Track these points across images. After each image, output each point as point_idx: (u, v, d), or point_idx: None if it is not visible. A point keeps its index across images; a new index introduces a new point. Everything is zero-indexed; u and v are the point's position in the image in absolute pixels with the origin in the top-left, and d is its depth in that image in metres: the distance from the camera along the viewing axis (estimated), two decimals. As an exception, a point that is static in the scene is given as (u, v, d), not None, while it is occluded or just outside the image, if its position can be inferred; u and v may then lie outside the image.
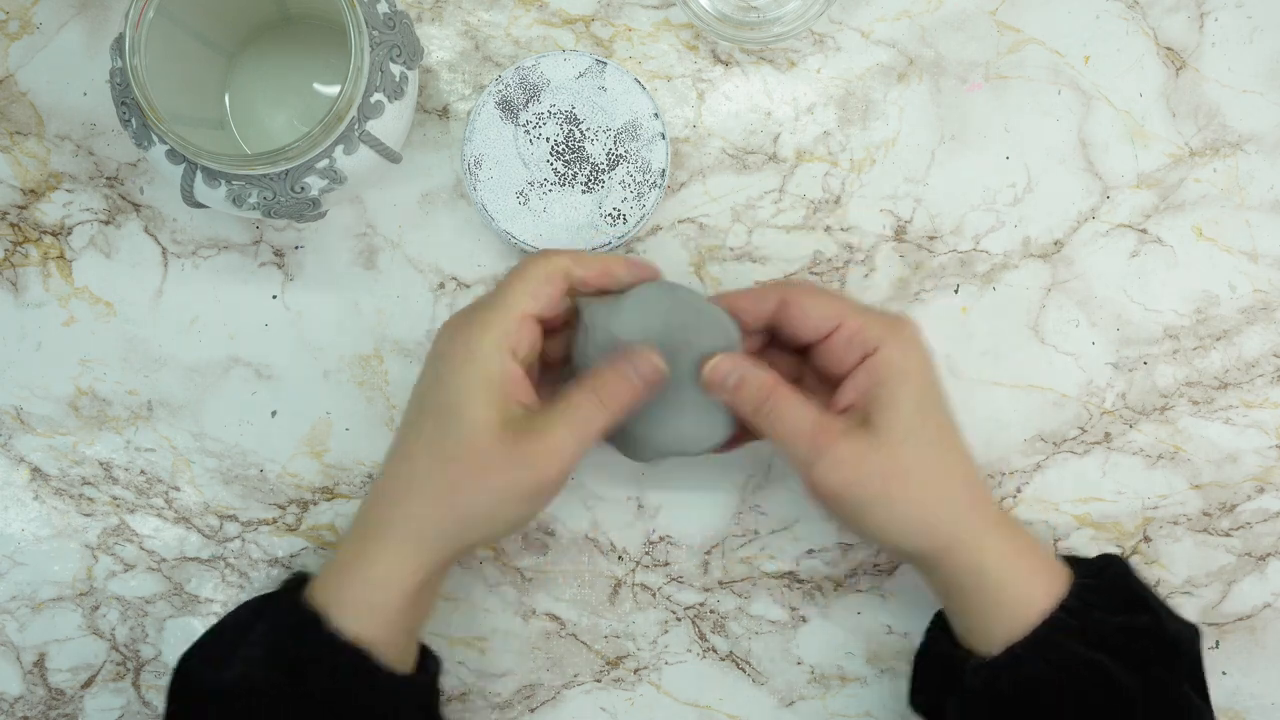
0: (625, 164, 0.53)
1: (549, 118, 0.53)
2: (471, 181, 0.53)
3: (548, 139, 0.54)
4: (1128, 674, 0.45)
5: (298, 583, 0.48)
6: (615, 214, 0.53)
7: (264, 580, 0.55)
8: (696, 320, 0.52)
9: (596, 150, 0.54)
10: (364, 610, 0.46)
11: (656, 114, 0.54)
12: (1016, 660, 0.46)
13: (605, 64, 0.54)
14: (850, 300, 0.49)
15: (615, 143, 0.54)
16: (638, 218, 0.53)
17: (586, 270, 0.48)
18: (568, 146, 0.53)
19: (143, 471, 0.55)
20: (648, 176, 0.54)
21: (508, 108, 0.53)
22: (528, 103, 0.53)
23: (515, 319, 0.46)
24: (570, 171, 0.54)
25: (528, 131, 0.53)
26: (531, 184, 0.54)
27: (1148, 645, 0.46)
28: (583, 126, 0.54)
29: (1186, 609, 0.56)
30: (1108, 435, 0.56)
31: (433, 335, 0.55)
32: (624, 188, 0.54)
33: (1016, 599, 0.47)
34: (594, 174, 0.53)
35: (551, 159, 0.54)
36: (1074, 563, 0.50)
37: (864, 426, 0.46)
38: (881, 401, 0.47)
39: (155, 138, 0.47)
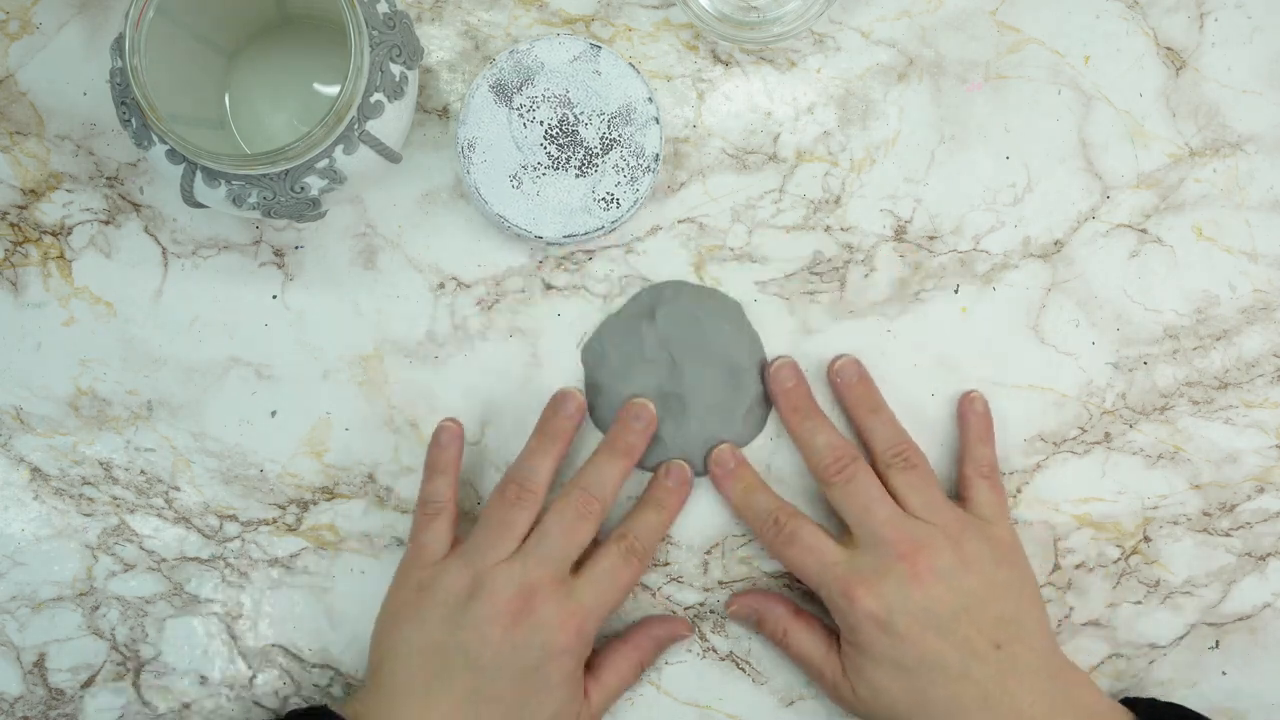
0: (619, 148, 0.53)
1: (543, 101, 0.53)
2: (465, 165, 0.53)
3: (541, 122, 0.54)
4: None
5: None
6: (609, 198, 0.53)
7: (264, 580, 0.55)
8: (707, 333, 0.54)
9: (590, 134, 0.54)
10: None
11: (650, 98, 0.54)
12: None
13: (600, 48, 0.54)
14: (826, 571, 0.50)
15: (609, 127, 0.54)
16: (631, 201, 0.54)
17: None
18: (561, 130, 0.53)
19: (143, 471, 0.55)
20: (641, 161, 0.54)
21: (501, 91, 0.53)
22: (521, 86, 0.53)
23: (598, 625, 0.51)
24: (564, 155, 0.54)
25: (521, 115, 0.53)
26: (525, 167, 0.53)
27: None
28: (576, 110, 0.54)
29: (1186, 609, 0.56)
30: (1108, 435, 0.56)
31: (433, 335, 0.55)
32: (617, 172, 0.54)
33: None
34: (587, 158, 0.54)
35: (545, 142, 0.54)
36: (1140, 707, 0.50)
37: (849, 679, 0.51)
38: (848, 660, 0.51)
39: (155, 138, 0.47)
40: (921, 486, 0.51)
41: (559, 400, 0.53)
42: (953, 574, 0.49)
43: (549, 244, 0.55)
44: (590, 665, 0.52)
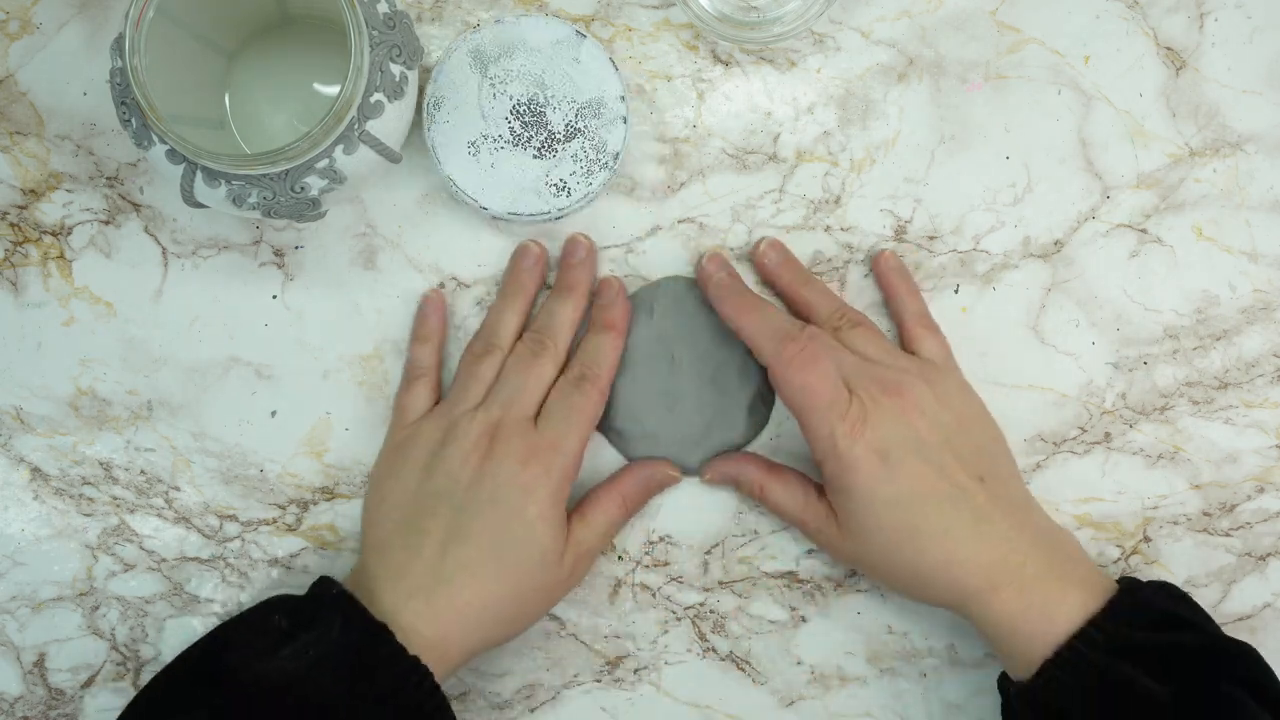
0: (582, 139, 0.53)
1: (517, 77, 0.53)
2: (428, 121, 0.53)
3: (511, 97, 0.54)
4: (1157, 684, 0.45)
5: (325, 587, 0.50)
6: (560, 185, 0.54)
7: (264, 580, 0.55)
8: (705, 329, 0.54)
9: (556, 119, 0.54)
10: (428, 640, 0.48)
11: (623, 97, 0.54)
12: (1049, 680, 0.47)
13: (585, 37, 0.54)
14: (813, 429, 0.50)
15: (577, 116, 0.54)
16: (582, 194, 0.54)
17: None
18: (529, 109, 0.54)
19: (143, 471, 0.55)
20: (600, 156, 0.54)
21: (479, 57, 0.53)
22: (499, 57, 0.53)
23: (583, 452, 0.52)
24: (526, 134, 0.54)
25: (493, 85, 0.53)
26: (485, 137, 0.54)
27: (1183, 658, 0.46)
28: (548, 93, 0.54)
29: (1186, 609, 0.56)
30: (1108, 435, 0.56)
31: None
32: (575, 161, 0.54)
33: (1032, 634, 0.48)
34: (549, 141, 0.54)
35: (510, 117, 0.54)
36: (1125, 582, 0.50)
37: (836, 524, 0.51)
38: (838, 505, 0.51)
39: (155, 138, 0.47)
40: (874, 339, 0.52)
41: (519, 253, 0.55)
42: (933, 410, 0.50)
43: (493, 217, 0.54)
44: (577, 508, 0.53)
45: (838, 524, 0.51)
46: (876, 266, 0.55)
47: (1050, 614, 0.48)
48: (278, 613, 0.50)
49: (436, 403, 0.54)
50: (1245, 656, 0.47)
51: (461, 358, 0.54)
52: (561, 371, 0.53)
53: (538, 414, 0.52)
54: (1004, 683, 0.51)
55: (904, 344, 0.54)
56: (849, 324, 0.52)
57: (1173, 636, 0.47)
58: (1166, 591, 0.50)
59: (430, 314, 0.55)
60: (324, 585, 0.51)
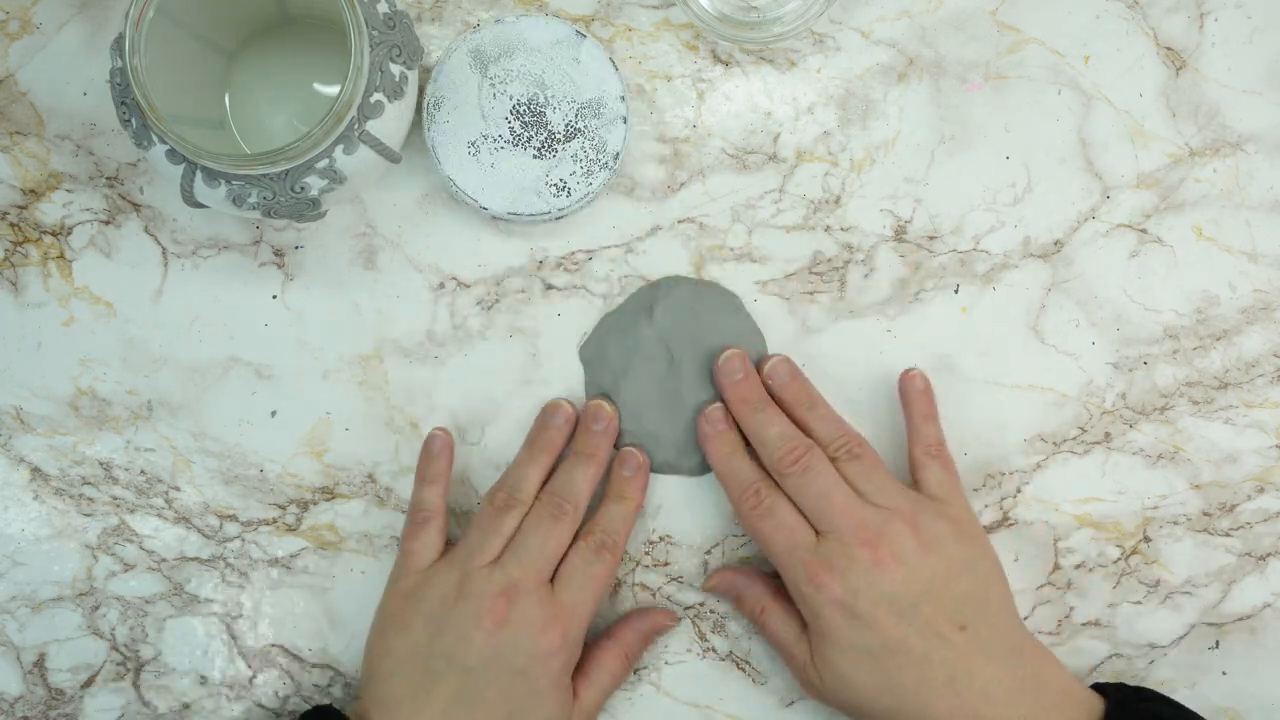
0: (581, 139, 0.53)
1: (517, 77, 0.53)
2: (428, 121, 0.53)
3: (511, 96, 0.54)
4: None
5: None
6: (560, 185, 0.54)
7: (264, 580, 0.55)
8: (706, 328, 0.54)
9: (556, 119, 0.54)
10: None
11: (623, 97, 0.54)
12: None
13: (585, 37, 0.54)
14: (793, 569, 0.50)
15: (576, 116, 0.54)
16: (582, 194, 0.54)
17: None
18: (529, 109, 0.54)
19: (143, 471, 0.55)
20: (600, 156, 0.54)
21: (479, 57, 0.53)
22: (499, 57, 0.53)
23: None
24: (526, 134, 0.54)
25: (493, 85, 0.53)
26: (485, 137, 0.54)
27: None
28: (548, 93, 0.54)
29: (1186, 609, 0.56)
30: (1108, 435, 0.56)
31: (433, 335, 0.55)
32: (575, 161, 0.54)
33: None
34: (549, 141, 0.54)
35: (510, 117, 0.54)
36: (1109, 691, 0.50)
37: (816, 667, 0.51)
38: (814, 647, 0.51)
39: (155, 138, 0.47)
40: (871, 473, 0.51)
41: (548, 412, 0.54)
42: (914, 557, 0.49)
43: (493, 217, 0.54)
44: (579, 667, 0.52)
45: (818, 670, 0.50)
46: (901, 384, 0.54)
47: None
48: None
49: (444, 545, 0.53)
50: None
51: (481, 507, 0.53)
52: (577, 534, 0.52)
53: (552, 577, 0.51)
54: None
55: (911, 470, 0.54)
56: (847, 455, 0.51)
57: None
58: (1155, 713, 0.50)
59: (438, 454, 0.54)
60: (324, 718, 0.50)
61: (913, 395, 0.54)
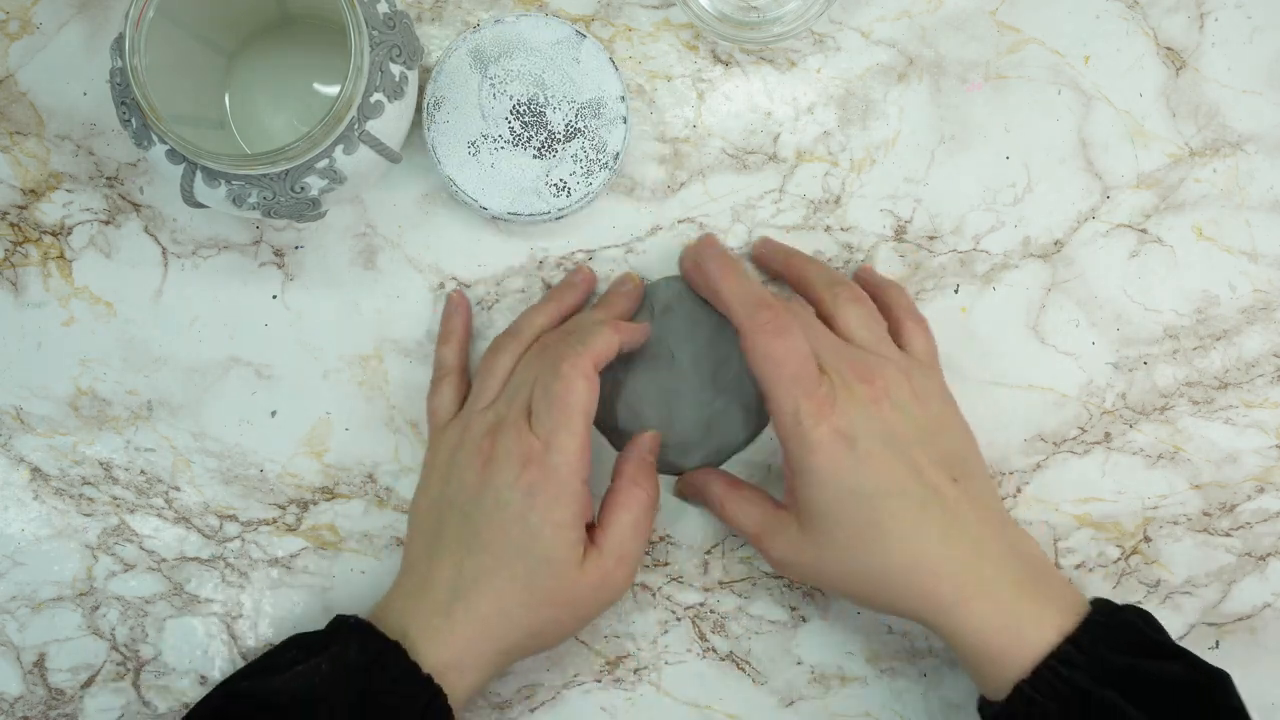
0: (582, 139, 0.53)
1: (517, 77, 0.54)
2: (428, 121, 0.53)
3: (511, 97, 0.54)
4: (1140, 713, 0.43)
5: (343, 619, 0.49)
6: (560, 185, 0.54)
7: (264, 580, 0.55)
8: (706, 327, 0.54)
9: (556, 119, 0.54)
10: (446, 659, 0.47)
11: (623, 97, 0.54)
12: (1030, 703, 0.45)
13: (584, 37, 0.54)
14: (777, 371, 0.47)
15: (577, 116, 0.54)
16: (582, 194, 0.54)
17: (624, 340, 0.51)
18: (529, 109, 0.54)
19: (143, 471, 0.55)
20: (600, 156, 0.54)
21: (479, 57, 0.53)
22: (499, 57, 0.53)
23: (586, 447, 0.48)
24: (526, 134, 0.54)
25: (493, 85, 0.53)
26: (485, 137, 0.54)
27: (1169, 690, 0.44)
28: (548, 93, 0.54)
29: (1186, 609, 0.56)
30: (1108, 435, 0.56)
31: (433, 335, 0.55)
32: (575, 161, 0.54)
33: (1004, 650, 0.45)
34: (549, 141, 0.54)
35: (510, 117, 0.54)
36: (1099, 603, 0.48)
37: (797, 523, 0.49)
38: (799, 504, 0.48)
39: (155, 138, 0.47)
40: (867, 319, 0.50)
41: (573, 273, 0.55)
42: (908, 405, 0.47)
43: (493, 217, 0.54)
44: (598, 519, 0.50)
45: (798, 526, 0.48)
46: (859, 276, 0.54)
47: (1023, 631, 0.45)
48: (294, 648, 0.49)
49: (462, 401, 0.53)
50: (1223, 687, 0.46)
51: (485, 351, 0.53)
52: None
53: None
54: (983, 707, 0.48)
55: (893, 331, 0.52)
56: (846, 298, 0.50)
57: (1159, 666, 0.45)
58: (1144, 618, 0.48)
59: (453, 313, 0.54)
60: (342, 618, 0.50)
61: (874, 277, 0.54)
